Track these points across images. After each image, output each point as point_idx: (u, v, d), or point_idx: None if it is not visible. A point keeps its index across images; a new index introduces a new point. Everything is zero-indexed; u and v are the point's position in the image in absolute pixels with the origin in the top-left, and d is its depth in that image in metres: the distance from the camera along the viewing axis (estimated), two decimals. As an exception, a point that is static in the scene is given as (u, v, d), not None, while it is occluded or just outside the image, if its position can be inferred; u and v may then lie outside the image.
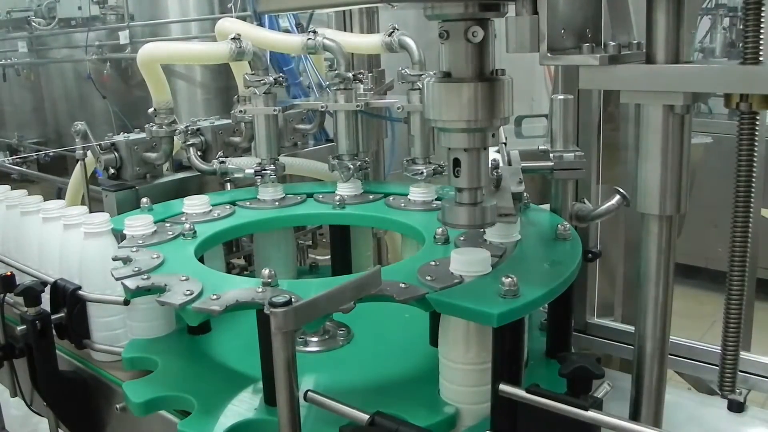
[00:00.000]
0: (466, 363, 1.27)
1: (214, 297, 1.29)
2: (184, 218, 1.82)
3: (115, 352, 1.62)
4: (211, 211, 1.87)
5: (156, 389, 1.41)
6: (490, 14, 1.16)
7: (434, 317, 1.42)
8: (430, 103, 1.20)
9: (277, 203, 1.95)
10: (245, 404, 1.35)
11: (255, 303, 1.27)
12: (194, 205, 1.85)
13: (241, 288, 1.33)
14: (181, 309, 1.28)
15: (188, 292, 1.30)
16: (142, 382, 1.45)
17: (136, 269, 1.44)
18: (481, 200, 1.25)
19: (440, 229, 1.53)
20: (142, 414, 1.38)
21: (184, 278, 1.38)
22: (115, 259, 1.51)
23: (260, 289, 1.30)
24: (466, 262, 1.30)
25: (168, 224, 1.78)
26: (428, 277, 1.28)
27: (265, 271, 1.34)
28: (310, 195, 2.03)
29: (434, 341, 1.40)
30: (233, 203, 1.95)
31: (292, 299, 1.04)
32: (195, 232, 1.71)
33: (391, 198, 1.94)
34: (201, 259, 1.63)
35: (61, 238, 1.71)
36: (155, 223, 1.72)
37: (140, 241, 1.62)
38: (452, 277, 1.28)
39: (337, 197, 1.91)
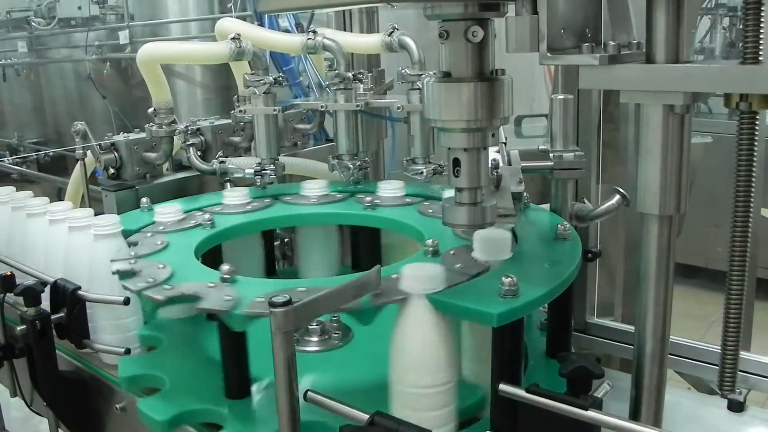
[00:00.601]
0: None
1: (168, 287, 1.28)
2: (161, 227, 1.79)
3: (115, 352, 1.62)
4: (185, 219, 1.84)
5: (178, 404, 1.36)
6: (490, 14, 1.16)
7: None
8: (429, 103, 1.20)
9: (248, 207, 1.93)
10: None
11: (195, 297, 1.27)
12: (165, 213, 1.83)
13: (196, 282, 1.33)
14: (227, 315, 1.24)
15: (228, 298, 1.27)
16: (160, 399, 1.39)
17: (151, 280, 1.39)
18: (481, 200, 1.25)
19: (430, 240, 1.46)
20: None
21: (212, 285, 1.33)
22: (115, 272, 1.47)
23: (212, 284, 1.31)
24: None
25: (149, 234, 1.76)
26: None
27: (224, 267, 1.36)
28: (276, 197, 2.01)
29: None
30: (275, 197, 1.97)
31: (292, 299, 1.04)
32: (213, 222, 1.76)
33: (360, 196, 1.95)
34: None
35: (67, 241, 1.70)
36: (153, 224, 1.72)
37: (134, 253, 1.59)
38: (452, 277, 1.28)
39: (368, 198, 1.88)
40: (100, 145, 2.14)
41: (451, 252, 1.44)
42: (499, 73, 1.20)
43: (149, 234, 1.73)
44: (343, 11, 2.31)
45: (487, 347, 1.20)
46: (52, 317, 1.59)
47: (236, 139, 2.32)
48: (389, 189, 1.95)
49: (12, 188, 2.10)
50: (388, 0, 1.25)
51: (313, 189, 2.00)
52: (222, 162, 2.10)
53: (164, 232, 1.73)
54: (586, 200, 1.79)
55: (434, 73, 1.21)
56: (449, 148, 1.23)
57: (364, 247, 2.03)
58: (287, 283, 1.38)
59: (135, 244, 1.66)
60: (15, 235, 1.95)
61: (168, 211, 1.83)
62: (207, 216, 1.80)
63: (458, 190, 1.25)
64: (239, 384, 1.37)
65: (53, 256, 1.76)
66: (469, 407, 1.29)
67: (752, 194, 1.23)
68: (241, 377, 1.37)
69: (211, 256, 1.75)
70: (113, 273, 1.47)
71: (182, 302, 1.34)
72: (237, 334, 1.34)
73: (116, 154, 2.14)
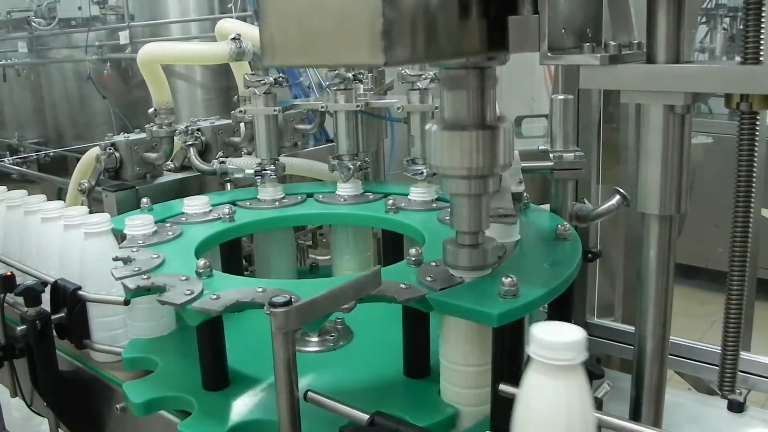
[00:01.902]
0: (467, 365, 1.27)
1: (214, 297, 1.29)
2: (184, 218, 1.82)
3: (115, 352, 1.62)
4: (210, 211, 1.86)
5: (156, 389, 1.41)
6: (491, 63, 1.16)
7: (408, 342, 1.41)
8: (431, 151, 1.21)
9: (276, 203, 1.95)
10: (246, 404, 1.35)
11: (255, 303, 1.27)
12: (194, 205, 1.85)
13: (240, 288, 1.34)
14: (182, 309, 1.28)
15: (188, 292, 1.30)
16: (142, 383, 1.45)
17: (137, 269, 1.44)
18: (482, 242, 1.26)
19: (414, 250, 1.40)
20: (143, 414, 1.38)
21: (184, 278, 1.38)
22: (115, 259, 1.52)
23: (260, 290, 1.31)
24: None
25: (168, 224, 1.77)
26: (429, 278, 1.28)
27: (200, 262, 1.40)
28: (310, 195, 2.03)
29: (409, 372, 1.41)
30: (233, 203, 1.95)
31: (292, 299, 1.04)
32: (233, 216, 1.80)
33: (390, 200, 1.94)
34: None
35: (62, 239, 1.71)
36: (156, 223, 1.72)
37: (141, 241, 1.62)
38: (452, 277, 1.28)
39: (390, 201, 1.86)
40: (100, 145, 2.14)
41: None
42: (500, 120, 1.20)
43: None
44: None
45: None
46: (53, 317, 1.59)
47: (236, 139, 2.32)
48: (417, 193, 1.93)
49: (3, 187, 2.11)
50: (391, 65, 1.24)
51: (270, 193, 1.99)
52: (222, 162, 2.10)
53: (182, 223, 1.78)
54: (586, 200, 1.79)
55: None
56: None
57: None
58: (254, 282, 1.41)
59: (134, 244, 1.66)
60: (11, 232, 1.95)
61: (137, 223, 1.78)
62: (226, 210, 1.83)
63: (459, 233, 1.26)
64: (215, 377, 1.41)
65: (48, 254, 1.77)
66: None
67: (752, 194, 1.23)
68: (217, 370, 1.41)
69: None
70: (114, 260, 1.51)
71: (151, 293, 1.37)
72: (213, 327, 1.38)
73: (116, 154, 2.14)
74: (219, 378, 1.42)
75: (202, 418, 1.31)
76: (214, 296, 1.29)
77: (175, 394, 1.40)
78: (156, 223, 1.72)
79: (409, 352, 1.42)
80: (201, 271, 1.40)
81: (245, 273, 2.21)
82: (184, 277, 1.38)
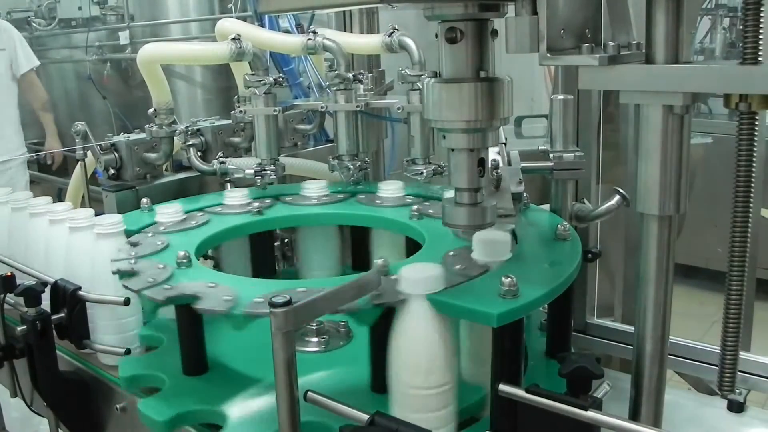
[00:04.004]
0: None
1: (260, 299, 1.28)
2: (162, 227, 1.80)
3: (115, 352, 1.62)
4: (184, 219, 1.84)
5: (177, 405, 1.36)
6: (489, 14, 1.16)
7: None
8: (430, 105, 1.20)
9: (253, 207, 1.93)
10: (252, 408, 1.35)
11: (194, 297, 1.29)
12: (167, 213, 1.84)
13: (276, 289, 1.32)
14: (229, 315, 1.27)
15: (228, 298, 1.29)
16: (159, 399, 1.39)
17: (151, 280, 1.41)
18: (481, 201, 1.26)
19: (381, 260, 1.32)
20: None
21: (212, 285, 1.36)
22: (115, 272, 1.49)
23: (212, 285, 1.32)
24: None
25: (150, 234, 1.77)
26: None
27: (181, 253, 1.47)
28: (276, 198, 2.02)
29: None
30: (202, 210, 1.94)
31: (292, 299, 1.04)
32: (261, 211, 1.84)
33: (361, 196, 1.96)
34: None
35: (68, 241, 1.70)
36: (155, 224, 1.72)
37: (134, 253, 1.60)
38: (452, 278, 1.28)
39: (415, 208, 1.80)
40: (100, 145, 2.14)
41: (451, 253, 1.44)
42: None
43: (150, 234, 1.73)
44: (344, 12, 2.31)
45: (487, 348, 1.20)
46: (53, 317, 1.59)
47: (236, 139, 2.32)
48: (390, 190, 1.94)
49: (9, 188, 2.11)
50: (389, 0, 1.25)
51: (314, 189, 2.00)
52: (222, 162, 2.10)
53: (164, 233, 1.74)
54: (586, 200, 1.79)
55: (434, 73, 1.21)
56: (452, 149, 1.23)
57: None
58: (289, 284, 1.40)
59: (136, 244, 1.66)
60: (16, 235, 1.95)
61: (168, 211, 1.84)
62: (256, 204, 1.86)
63: (458, 190, 1.25)
64: (196, 362, 1.46)
65: (54, 256, 1.76)
66: (469, 407, 1.29)
67: (752, 194, 1.24)
68: (197, 355, 1.47)
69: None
70: (113, 273, 1.49)
71: (182, 302, 1.34)
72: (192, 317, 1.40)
73: (116, 154, 2.14)
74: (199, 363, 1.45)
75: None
76: (260, 298, 1.28)
77: (199, 407, 1.36)
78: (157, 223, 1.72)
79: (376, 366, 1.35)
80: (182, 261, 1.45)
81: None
82: (212, 284, 1.37)
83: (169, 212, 1.82)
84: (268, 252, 2.06)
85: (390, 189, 1.95)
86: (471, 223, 1.26)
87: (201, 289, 1.35)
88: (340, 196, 2.00)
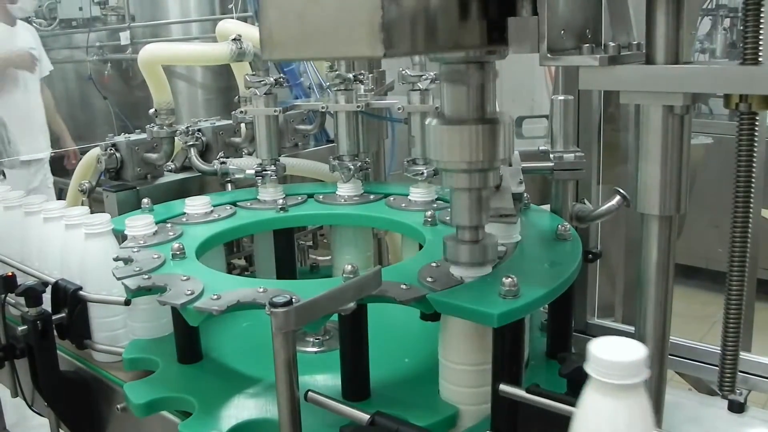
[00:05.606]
0: (466, 364, 1.27)
1: (215, 297, 1.29)
2: (185, 218, 1.83)
3: (115, 352, 1.63)
4: (211, 212, 1.87)
5: (157, 390, 1.42)
6: (491, 57, 1.16)
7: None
8: (432, 145, 1.21)
9: (278, 203, 1.95)
10: (246, 404, 1.35)
11: (256, 303, 1.27)
12: (195, 205, 1.85)
13: (241, 288, 1.34)
14: (182, 309, 1.29)
15: (189, 292, 1.31)
16: (143, 383, 1.45)
17: (137, 269, 1.45)
18: (482, 237, 1.26)
19: (349, 266, 1.29)
20: (143, 415, 1.39)
21: (185, 278, 1.38)
22: (116, 259, 1.52)
23: (261, 290, 1.31)
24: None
25: (169, 225, 1.78)
26: (429, 279, 1.28)
27: (175, 245, 1.49)
28: (310, 195, 2.03)
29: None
30: (234, 204, 1.95)
31: (293, 299, 1.04)
32: (287, 209, 1.87)
33: (391, 198, 1.94)
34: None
35: (63, 239, 1.71)
36: (156, 223, 1.72)
37: (142, 242, 1.63)
38: (452, 278, 1.28)
39: (429, 213, 1.77)
40: (100, 145, 2.14)
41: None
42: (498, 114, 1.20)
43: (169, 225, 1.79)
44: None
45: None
46: (53, 317, 1.59)
47: (237, 139, 2.32)
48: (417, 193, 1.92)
49: (8, 186, 2.11)
50: (392, 54, 1.25)
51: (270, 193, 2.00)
52: (223, 163, 2.10)
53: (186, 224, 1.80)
54: (586, 201, 1.79)
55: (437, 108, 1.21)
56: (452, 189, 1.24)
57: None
58: (252, 282, 1.45)
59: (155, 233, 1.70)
60: (13, 233, 1.95)
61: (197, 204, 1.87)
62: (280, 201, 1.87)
63: (459, 228, 1.26)
64: (188, 350, 1.51)
65: (49, 254, 1.77)
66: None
67: (752, 195, 1.24)
68: (189, 344, 1.51)
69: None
70: (114, 260, 1.53)
71: (152, 293, 1.39)
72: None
73: (117, 154, 2.14)
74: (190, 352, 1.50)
75: (203, 419, 1.31)
76: (215, 296, 1.29)
77: (176, 394, 1.40)
78: (157, 223, 1.73)
79: (347, 372, 1.35)
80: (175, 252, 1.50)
81: (245, 273, 2.22)
82: (185, 277, 1.38)
83: (198, 204, 1.86)
84: (288, 249, 2.05)
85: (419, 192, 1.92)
86: (472, 261, 1.26)
87: (172, 281, 1.38)
88: (371, 197, 1.99)
